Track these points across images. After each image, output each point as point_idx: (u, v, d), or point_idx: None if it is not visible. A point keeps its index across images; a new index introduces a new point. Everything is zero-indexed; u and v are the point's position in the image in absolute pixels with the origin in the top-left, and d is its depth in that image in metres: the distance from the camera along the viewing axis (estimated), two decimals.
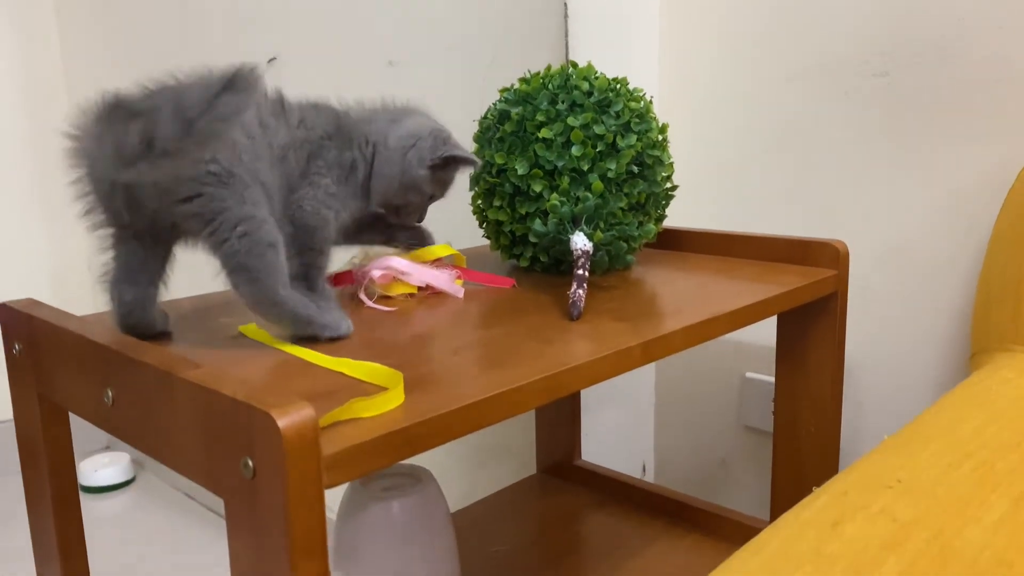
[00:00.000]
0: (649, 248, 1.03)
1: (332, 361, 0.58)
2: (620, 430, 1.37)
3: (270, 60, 1.63)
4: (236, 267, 0.59)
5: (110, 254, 0.64)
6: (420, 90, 1.16)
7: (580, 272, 0.74)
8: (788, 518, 0.53)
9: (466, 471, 1.36)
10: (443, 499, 0.91)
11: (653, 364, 1.38)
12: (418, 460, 1.34)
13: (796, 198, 1.18)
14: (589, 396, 1.29)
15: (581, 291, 0.72)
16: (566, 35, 1.14)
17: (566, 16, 1.14)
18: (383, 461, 0.46)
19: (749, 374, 1.27)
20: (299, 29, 1.56)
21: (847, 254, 0.89)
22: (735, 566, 0.48)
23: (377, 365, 0.56)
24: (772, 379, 1.21)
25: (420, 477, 0.90)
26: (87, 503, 2.07)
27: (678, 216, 1.31)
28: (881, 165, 1.09)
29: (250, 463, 0.44)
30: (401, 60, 1.38)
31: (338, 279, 0.79)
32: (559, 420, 1.20)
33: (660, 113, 1.30)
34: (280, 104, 0.70)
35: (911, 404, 1.11)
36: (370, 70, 1.42)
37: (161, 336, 0.66)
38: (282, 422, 0.42)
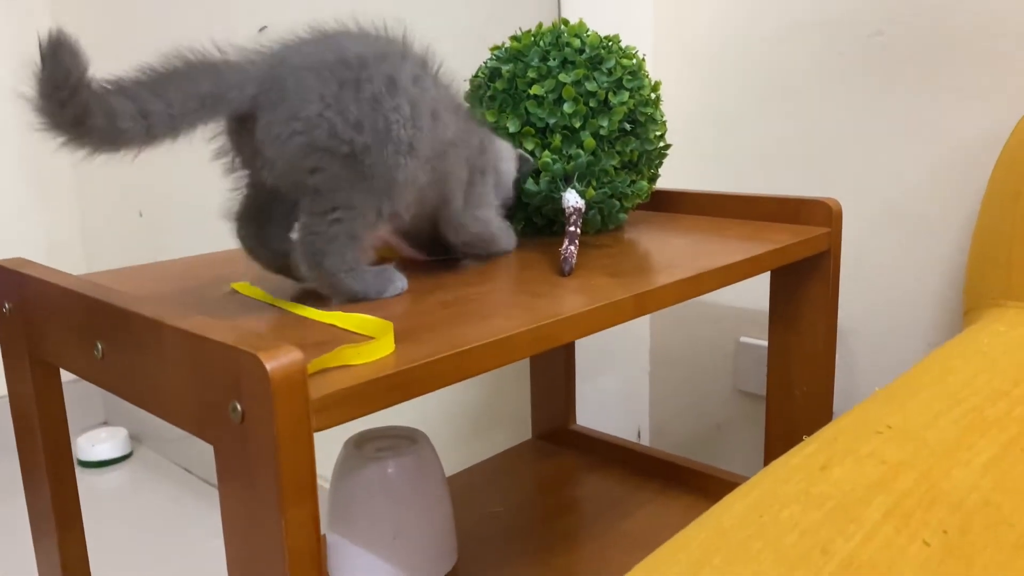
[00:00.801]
0: (641, 209, 1.03)
1: (323, 315, 0.58)
2: (615, 396, 1.37)
3: (261, 29, 1.62)
4: (310, 245, 0.61)
5: (240, 192, 0.66)
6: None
7: (572, 229, 0.74)
8: (777, 464, 0.53)
9: (463, 437, 1.37)
10: (438, 460, 0.91)
11: (648, 329, 1.38)
12: (414, 425, 1.35)
13: (790, 158, 1.18)
14: (584, 362, 1.30)
15: (573, 247, 0.72)
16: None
17: None
18: (372, 406, 0.46)
19: (744, 339, 1.27)
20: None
21: (840, 212, 0.89)
22: (722, 509, 0.48)
23: (367, 316, 0.56)
24: (766, 343, 1.22)
25: (415, 438, 0.91)
26: (85, 478, 2.09)
27: (671, 175, 1.31)
28: (876, 124, 1.09)
29: (238, 407, 0.44)
30: (398, 18, 1.36)
31: None
32: (554, 385, 1.20)
33: (653, 71, 1.29)
34: (453, 95, 0.71)
35: (905, 364, 1.11)
36: None
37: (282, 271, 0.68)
38: (270, 364, 0.42)
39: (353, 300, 0.63)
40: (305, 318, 0.59)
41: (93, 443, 2.13)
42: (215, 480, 1.85)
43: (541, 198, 0.81)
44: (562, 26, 0.87)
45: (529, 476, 1.14)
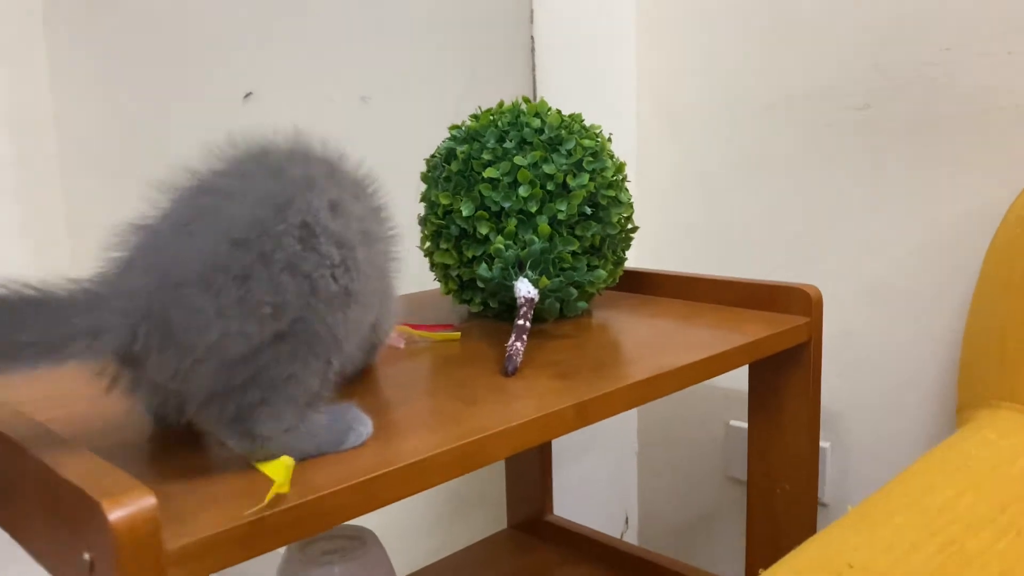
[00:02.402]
0: (612, 291, 0.98)
1: None
2: (602, 478, 1.30)
3: (246, 95, 1.60)
4: (231, 413, 0.48)
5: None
6: (392, 126, 1.12)
7: (520, 323, 0.69)
8: None
9: (434, 523, 1.30)
10: (388, 562, 0.85)
11: (635, 411, 1.32)
12: (382, 513, 1.28)
13: (774, 232, 1.13)
14: (568, 441, 1.23)
15: (519, 344, 0.66)
16: (533, 69, 1.09)
17: (532, 49, 1.10)
18: (249, 552, 0.41)
19: (733, 422, 1.20)
20: (272, 65, 1.53)
21: (820, 300, 0.83)
22: None
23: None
24: None
25: (364, 539, 0.85)
26: None
27: (648, 249, 1.26)
28: (863, 201, 1.04)
29: (86, 557, 0.39)
30: (373, 95, 1.34)
31: None
32: (528, 473, 1.14)
33: (637, 145, 1.25)
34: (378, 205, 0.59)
35: (901, 453, 1.04)
36: (343, 106, 1.38)
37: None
38: (114, 514, 0.36)
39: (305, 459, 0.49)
40: None
41: None
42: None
43: (494, 285, 0.75)
44: (522, 104, 0.83)
45: (500, 572, 1.07)
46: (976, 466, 0.63)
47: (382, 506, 0.46)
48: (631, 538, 1.33)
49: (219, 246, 0.45)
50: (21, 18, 1.88)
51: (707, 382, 1.22)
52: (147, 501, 0.37)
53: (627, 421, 1.32)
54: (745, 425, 1.16)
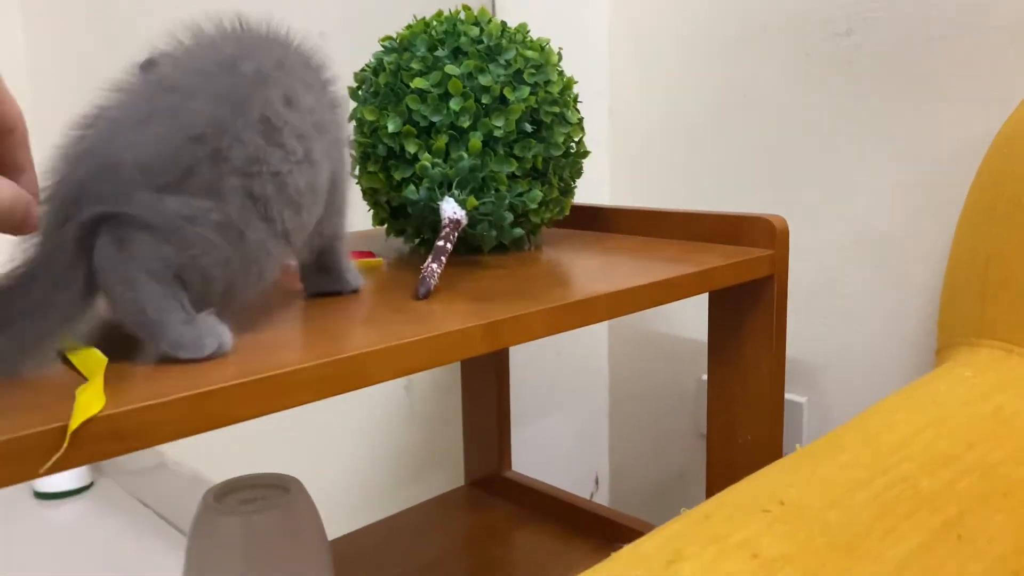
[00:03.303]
0: (567, 228, 0.91)
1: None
2: (572, 436, 1.24)
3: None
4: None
5: None
6: (352, 62, 1.05)
7: (441, 244, 0.62)
8: (625, 553, 0.40)
9: (389, 485, 1.24)
10: (316, 514, 0.78)
11: (607, 363, 1.25)
12: (327, 470, 1.22)
13: (751, 172, 1.05)
14: (536, 398, 1.17)
15: (435, 266, 0.59)
16: None
17: None
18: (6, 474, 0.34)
19: (705, 376, 1.13)
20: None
21: (786, 231, 0.75)
22: None
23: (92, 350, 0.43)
24: None
25: (288, 487, 0.78)
26: (41, 509, 1.98)
27: (622, 193, 1.18)
28: (847, 134, 0.96)
29: None
30: (331, 31, 1.27)
31: None
32: (486, 427, 1.07)
33: (610, 80, 1.17)
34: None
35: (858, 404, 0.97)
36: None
37: None
38: None
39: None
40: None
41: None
42: (170, 516, 1.71)
43: (420, 207, 0.68)
44: (461, 13, 0.76)
45: (454, 530, 1.01)
46: (945, 403, 0.56)
47: (225, 425, 0.40)
48: (601, 498, 1.27)
49: (175, 140, 0.43)
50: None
51: (679, 335, 1.15)
52: None
53: (597, 376, 1.25)
54: None
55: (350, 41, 1.21)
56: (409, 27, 0.76)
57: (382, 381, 0.46)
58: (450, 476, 1.15)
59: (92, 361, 0.41)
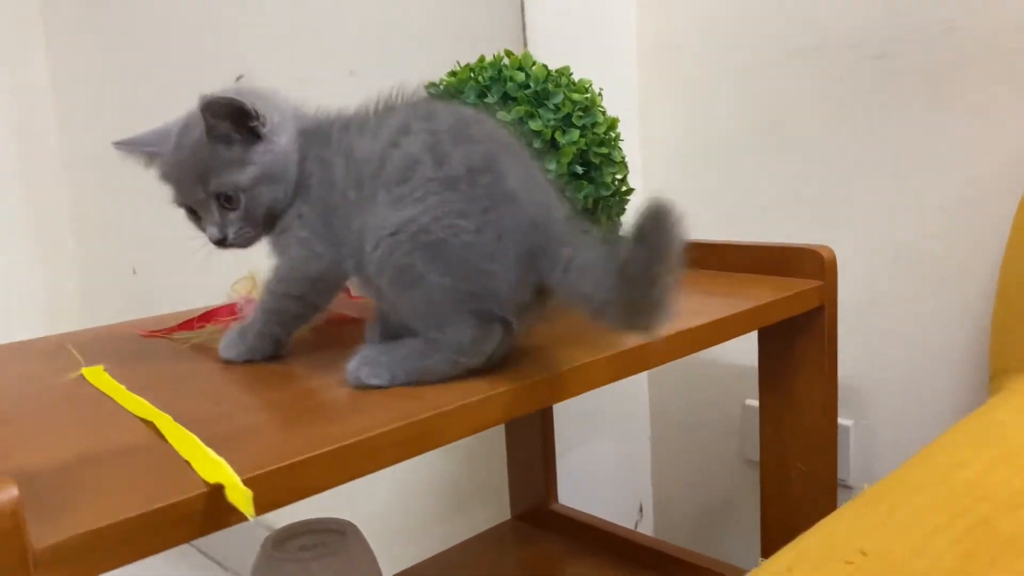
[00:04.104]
0: None
1: (161, 419, 0.47)
2: (612, 467, 1.23)
3: (237, 78, 1.55)
4: None
5: None
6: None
7: None
8: None
9: (434, 516, 1.24)
10: (371, 555, 0.79)
11: (646, 390, 1.25)
12: (373, 507, 1.22)
13: (788, 197, 1.05)
14: (578, 427, 1.17)
15: None
16: (523, 28, 1.03)
17: (523, 7, 1.03)
18: (128, 553, 0.35)
19: (749, 401, 1.13)
20: (262, 46, 1.48)
21: (834, 261, 0.76)
22: None
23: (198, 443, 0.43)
24: None
25: (345, 532, 0.79)
26: None
27: None
28: (884, 155, 0.96)
29: None
30: (362, 69, 1.28)
31: (215, 313, 0.67)
32: (531, 459, 1.07)
33: (639, 106, 1.18)
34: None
35: (931, 430, 0.96)
36: (332, 80, 1.33)
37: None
38: None
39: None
40: (133, 415, 0.47)
41: None
42: (224, 560, 1.69)
43: None
44: (504, 58, 0.77)
45: (504, 566, 1.01)
46: (1012, 437, 0.56)
47: (317, 493, 0.40)
48: (646, 527, 1.27)
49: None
50: (20, 21, 1.82)
51: (722, 360, 1.15)
52: (7, 493, 0.32)
53: (639, 404, 1.25)
54: None
55: (380, 79, 1.22)
56: (453, 73, 0.77)
57: (457, 440, 0.46)
58: (495, 509, 1.15)
59: (182, 436, 0.42)
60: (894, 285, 0.97)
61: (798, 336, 0.78)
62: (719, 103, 1.10)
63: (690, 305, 0.68)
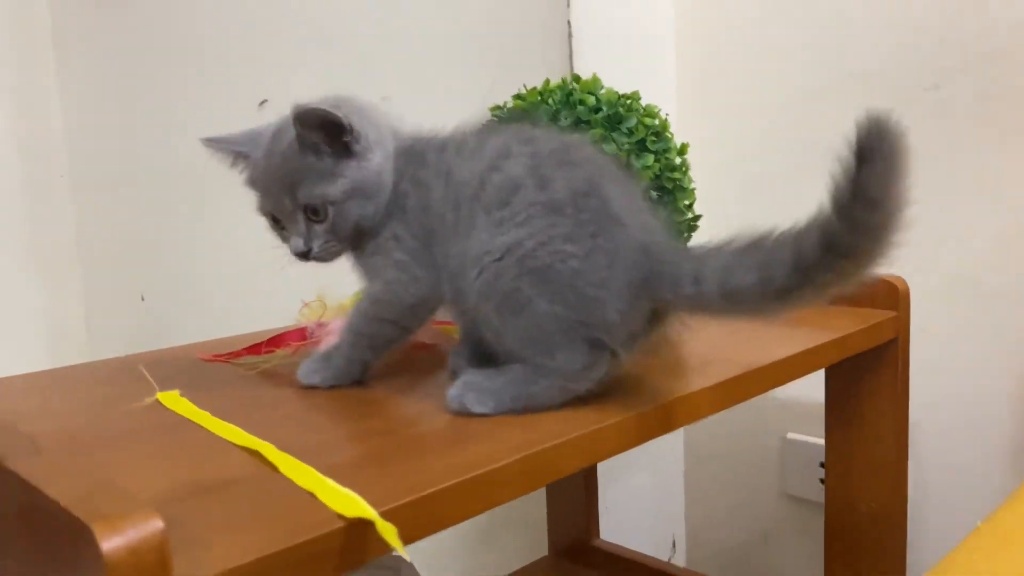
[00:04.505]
0: None
1: (262, 445, 0.44)
2: (645, 498, 1.21)
3: (261, 103, 1.53)
4: None
5: None
6: (419, 122, 1.05)
7: None
8: None
9: (468, 549, 1.21)
10: None
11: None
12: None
13: None
14: (612, 461, 1.14)
15: None
16: (570, 56, 1.01)
17: (570, 35, 1.02)
18: None
19: (791, 435, 1.11)
20: (286, 70, 1.47)
21: (907, 291, 0.74)
22: None
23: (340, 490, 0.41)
24: (818, 440, 1.06)
25: (399, 569, 0.76)
26: None
27: None
28: (938, 189, 0.95)
29: None
30: (398, 94, 1.27)
31: (284, 338, 0.65)
32: (572, 494, 1.04)
33: (678, 135, 1.17)
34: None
35: (988, 465, 0.94)
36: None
37: None
38: (109, 542, 0.28)
39: None
40: (230, 443, 0.45)
41: None
42: None
43: None
44: (573, 83, 0.75)
45: None
46: None
47: (457, 523, 0.38)
48: (678, 561, 1.24)
49: None
50: (30, 41, 1.80)
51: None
52: (152, 525, 0.29)
53: (672, 435, 1.23)
54: (805, 438, 1.07)
55: (414, 104, 1.21)
56: (520, 97, 0.75)
57: (576, 471, 0.44)
58: (530, 543, 1.12)
59: (301, 469, 0.39)
60: (947, 316, 0.95)
61: (869, 369, 0.76)
62: (760, 133, 1.09)
63: (770, 334, 0.66)
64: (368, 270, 0.56)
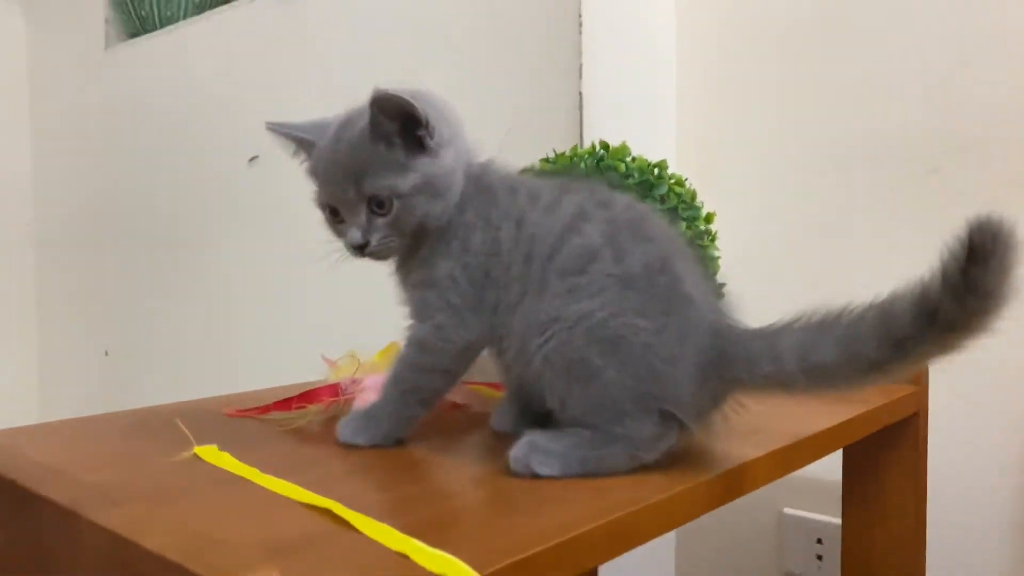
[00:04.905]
0: None
1: (327, 503, 0.42)
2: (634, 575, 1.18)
3: (251, 159, 1.52)
4: None
5: None
6: None
7: None
8: None
9: None
10: None
11: None
12: None
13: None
14: None
15: None
16: (580, 124, 1.03)
17: (580, 106, 1.03)
18: None
19: (788, 510, 1.10)
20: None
21: (927, 367, 0.75)
22: None
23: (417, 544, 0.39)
24: (816, 516, 1.05)
25: None
26: None
27: None
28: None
29: None
30: None
31: (317, 394, 0.63)
32: None
33: None
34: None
35: (1004, 541, 0.94)
36: None
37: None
38: None
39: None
40: (292, 501, 0.43)
41: None
42: None
43: None
44: (602, 149, 0.76)
45: None
46: None
47: None
48: None
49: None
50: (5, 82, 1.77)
51: None
52: None
53: None
54: (803, 514, 1.07)
55: None
56: (548, 161, 0.76)
57: (652, 538, 0.43)
58: None
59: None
60: (949, 393, 0.97)
61: (888, 444, 0.76)
62: (763, 208, 1.11)
63: (794, 409, 0.66)
64: (417, 306, 0.54)
